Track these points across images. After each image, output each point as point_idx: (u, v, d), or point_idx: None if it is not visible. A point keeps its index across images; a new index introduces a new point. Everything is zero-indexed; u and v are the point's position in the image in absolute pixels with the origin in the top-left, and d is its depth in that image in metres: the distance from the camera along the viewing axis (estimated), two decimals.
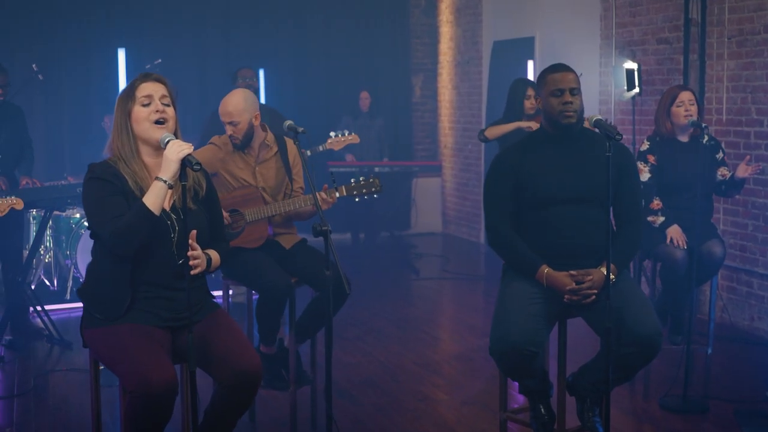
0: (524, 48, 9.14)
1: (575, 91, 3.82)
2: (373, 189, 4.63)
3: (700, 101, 6.59)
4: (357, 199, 4.67)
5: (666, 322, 5.18)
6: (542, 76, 3.91)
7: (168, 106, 3.31)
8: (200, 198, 3.41)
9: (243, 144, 4.57)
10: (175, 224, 3.29)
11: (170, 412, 3.09)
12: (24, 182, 6.28)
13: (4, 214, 4.73)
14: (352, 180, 4.63)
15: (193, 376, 3.09)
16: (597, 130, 3.71)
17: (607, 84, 7.78)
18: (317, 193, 4.44)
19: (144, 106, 3.28)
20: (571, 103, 3.80)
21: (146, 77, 3.33)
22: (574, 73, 3.87)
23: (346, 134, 6.31)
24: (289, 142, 4.75)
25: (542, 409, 3.95)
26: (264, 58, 10.24)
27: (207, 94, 9.77)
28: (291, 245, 4.65)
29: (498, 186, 3.92)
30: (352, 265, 8.95)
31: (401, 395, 5.18)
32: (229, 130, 4.56)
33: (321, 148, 6.41)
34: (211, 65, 10.02)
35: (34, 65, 7.80)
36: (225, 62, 9.97)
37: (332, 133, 6.25)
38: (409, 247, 10.05)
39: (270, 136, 4.69)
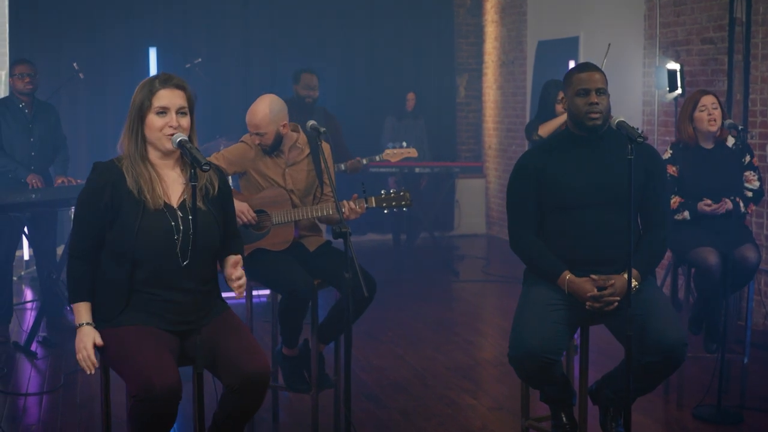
0: (568, 48, 9.02)
1: (601, 92, 3.71)
2: (403, 203, 4.55)
3: (744, 102, 6.46)
4: (386, 211, 4.60)
5: (701, 329, 5.05)
6: (568, 75, 3.81)
7: (184, 116, 3.27)
8: (211, 197, 3.37)
9: (272, 149, 4.55)
10: (180, 224, 3.25)
11: (174, 416, 3.06)
12: (59, 181, 6.34)
13: None
14: (383, 192, 4.56)
15: (200, 378, 3.06)
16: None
17: (651, 85, 7.62)
18: (346, 202, 4.40)
19: (159, 116, 3.24)
20: (597, 104, 3.69)
21: (166, 82, 3.25)
22: (601, 72, 3.77)
23: (404, 146, 6.25)
24: (325, 146, 4.69)
25: (564, 418, 3.86)
26: (308, 58, 10.21)
27: (250, 93, 9.75)
28: (315, 247, 4.61)
29: (521, 188, 3.83)
30: (392, 266, 8.93)
31: (428, 400, 5.11)
32: (256, 139, 4.53)
33: (378, 158, 6.37)
34: (254, 64, 10.03)
35: (75, 64, 7.87)
36: (269, 62, 9.98)
37: (390, 145, 6.21)
38: (450, 249, 9.97)
39: (302, 138, 4.65)
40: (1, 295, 6.28)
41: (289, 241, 4.51)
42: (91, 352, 3.18)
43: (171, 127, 3.21)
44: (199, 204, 3.27)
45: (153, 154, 3.30)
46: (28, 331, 6.10)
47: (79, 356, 3.20)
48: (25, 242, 8.32)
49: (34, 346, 6.00)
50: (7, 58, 9.09)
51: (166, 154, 3.29)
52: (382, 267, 8.81)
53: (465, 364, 5.80)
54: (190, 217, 3.15)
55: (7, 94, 6.50)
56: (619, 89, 7.87)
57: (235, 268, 3.37)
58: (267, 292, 7.23)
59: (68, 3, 9.40)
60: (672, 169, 4.96)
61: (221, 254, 3.50)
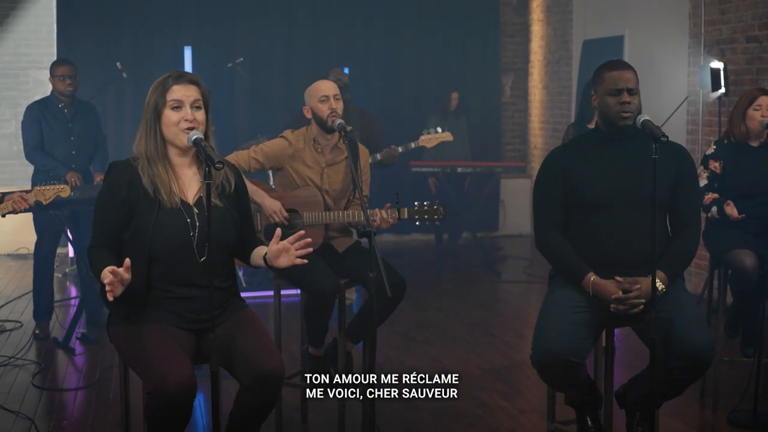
0: (613, 47, 8.91)
1: (633, 91, 3.64)
2: (436, 216, 4.55)
3: None
4: (417, 223, 4.58)
5: (738, 332, 4.96)
6: (599, 73, 3.75)
7: (199, 109, 3.28)
8: (227, 193, 3.37)
9: (330, 129, 4.49)
10: (196, 221, 3.27)
11: (188, 414, 3.08)
12: (98, 178, 6.40)
13: (49, 201, 4.81)
14: (416, 204, 4.54)
15: (215, 376, 3.07)
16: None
17: (695, 84, 7.50)
18: (378, 211, 4.37)
19: (174, 110, 3.26)
20: (629, 103, 3.61)
21: (180, 78, 3.28)
22: (633, 70, 3.70)
23: (439, 131, 6.23)
24: (362, 149, 4.68)
25: (589, 421, 3.81)
26: (351, 56, 10.24)
27: (293, 92, 9.79)
28: (344, 248, 4.60)
29: (547, 187, 3.78)
30: (433, 266, 8.89)
31: (460, 401, 5.03)
32: (333, 104, 4.48)
33: (413, 145, 6.36)
34: (297, 64, 10.06)
35: (118, 63, 7.96)
36: (312, 61, 10.00)
37: (425, 131, 6.19)
38: (494, 249, 9.91)
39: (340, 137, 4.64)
40: (41, 292, 6.37)
41: (318, 244, 4.49)
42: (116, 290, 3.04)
43: (186, 120, 3.23)
44: (216, 201, 3.28)
45: (171, 152, 3.32)
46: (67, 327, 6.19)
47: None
48: None
49: (72, 342, 6.08)
50: (54, 58, 9.22)
51: (183, 151, 3.30)
52: (423, 267, 8.82)
53: (500, 365, 5.76)
54: (206, 214, 3.15)
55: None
56: (663, 88, 7.77)
57: (276, 241, 3.32)
58: (299, 291, 7.25)
59: (112, 3, 9.52)
60: (714, 165, 4.88)
61: (245, 253, 3.51)
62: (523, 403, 5.04)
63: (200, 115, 3.27)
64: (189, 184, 3.33)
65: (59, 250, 6.98)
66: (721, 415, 4.72)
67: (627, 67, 3.71)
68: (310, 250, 3.35)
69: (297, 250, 3.32)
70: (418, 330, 6.58)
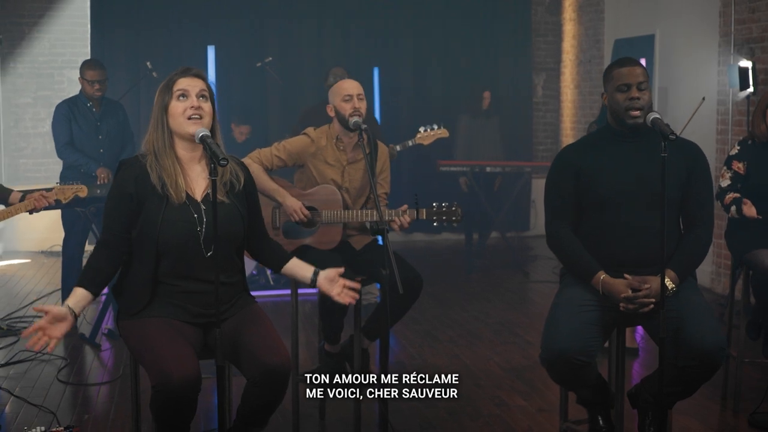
0: (644, 46, 8.85)
1: (643, 86, 3.63)
2: (454, 218, 4.54)
3: None
4: (435, 224, 4.59)
5: (760, 334, 4.90)
6: (608, 70, 3.75)
7: (205, 100, 3.32)
8: (236, 191, 3.41)
9: (351, 126, 4.51)
10: (203, 216, 3.30)
11: (194, 407, 3.11)
12: None
13: (68, 200, 4.90)
14: (434, 204, 4.54)
15: (221, 371, 3.10)
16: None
17: (725, 83, 7.43)
18: (394, 212, 4.39)
19: (180, 101, 3.30)
20: (638, 98, 3.60)
21: (185, 72, 3.34)
22: (642, 67, 3.69)
23: (435, 128, 6.23)
24: (382, 147, 4.70)
25: (601, 421, 3.79)
26: (381, 56, 10.24)
27: (323, 93, 9.82)
28: (361, 246, 4.62)
29: (558, 185, 3.77)
30: (462, 266, 8.88)
31: (479, 400, 5.07)
32: (356, 104, 4.51)
33: (410, 143, 6.35)
34: (327, 64, 10.05)
35: (148, 63, 8.03)
36: (341, 61, 9.99)
37: (421, 128, 6.18)
38: (523, 249, 9.87)
39: (364, 138, 4.66)
40: (69, 288, 6.43)
41: (336, 242, 4.52)
42: (52, 334, 3.11)
43: (192, 107, 3.27)
44: (223, 198, 3.32)
45: (179, 145, 3.35)
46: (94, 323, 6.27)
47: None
48: None
49: (99, 338, 6.15)
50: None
51: (191, 146, 3.34)
52: (452, 266, 8.79)
53: (520, 365, 5.74)
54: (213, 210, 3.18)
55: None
56: (693, 88, 7.70)
57: (332, 285, 3.49)
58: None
59: (144, 3, 9.62)
60: (738, 165, 4.83)
61: (254, 249, 3.55)
62: (541, 402, 5.03)
63: (207, 105, 3.31)
64: (197, 180, 3.37)
65: (89, 247, 7.05)
66: (741, 417, 4.68)
67: (636, 63, 3.70)
68: (353, 301, 3.53)
69: (343, 291, 3.49)
70: (443, 329, 6.58)
